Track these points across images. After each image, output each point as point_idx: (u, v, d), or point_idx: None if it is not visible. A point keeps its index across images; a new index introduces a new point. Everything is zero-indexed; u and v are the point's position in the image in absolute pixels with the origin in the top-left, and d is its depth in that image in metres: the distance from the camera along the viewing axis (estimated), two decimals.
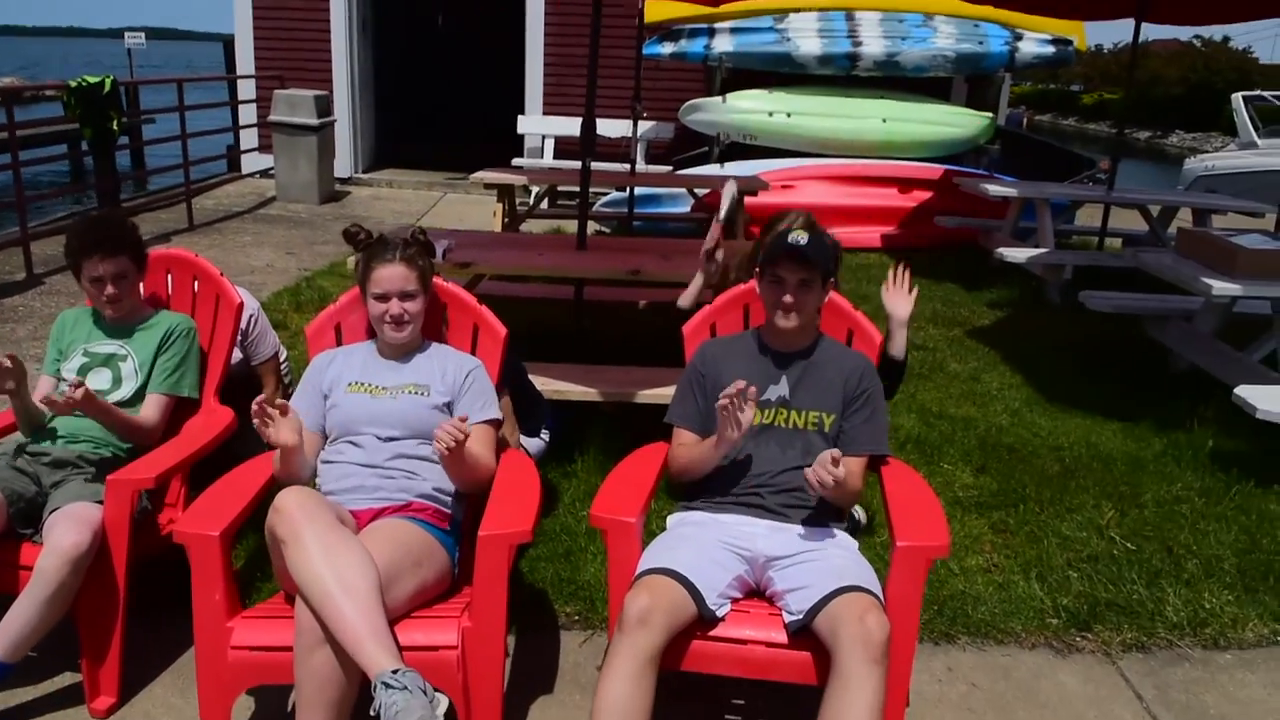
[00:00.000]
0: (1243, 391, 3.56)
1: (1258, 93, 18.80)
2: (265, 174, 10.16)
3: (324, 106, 9.53)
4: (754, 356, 2.49)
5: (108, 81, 6.74)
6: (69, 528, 2.29)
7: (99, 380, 2.73)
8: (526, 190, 10.48)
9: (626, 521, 2.19)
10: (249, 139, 10.71)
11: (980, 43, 8.42)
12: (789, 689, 2.10)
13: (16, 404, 2.61)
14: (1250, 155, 14.71)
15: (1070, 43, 8.61)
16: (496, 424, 2.51)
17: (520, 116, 10.40)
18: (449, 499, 2.39)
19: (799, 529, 2.29)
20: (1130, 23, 6.77)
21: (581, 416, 3.75)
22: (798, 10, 8.73)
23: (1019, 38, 8.48)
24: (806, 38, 8.50)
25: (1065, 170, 8.86)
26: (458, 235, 4.38)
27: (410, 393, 2.41)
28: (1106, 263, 6.18)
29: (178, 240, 7.65)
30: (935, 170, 8.11)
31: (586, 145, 4.08)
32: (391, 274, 2.43)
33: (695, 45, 8.70)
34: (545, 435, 3.49)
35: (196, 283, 3.02)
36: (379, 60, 11.34)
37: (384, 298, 2.44)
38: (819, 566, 2.13)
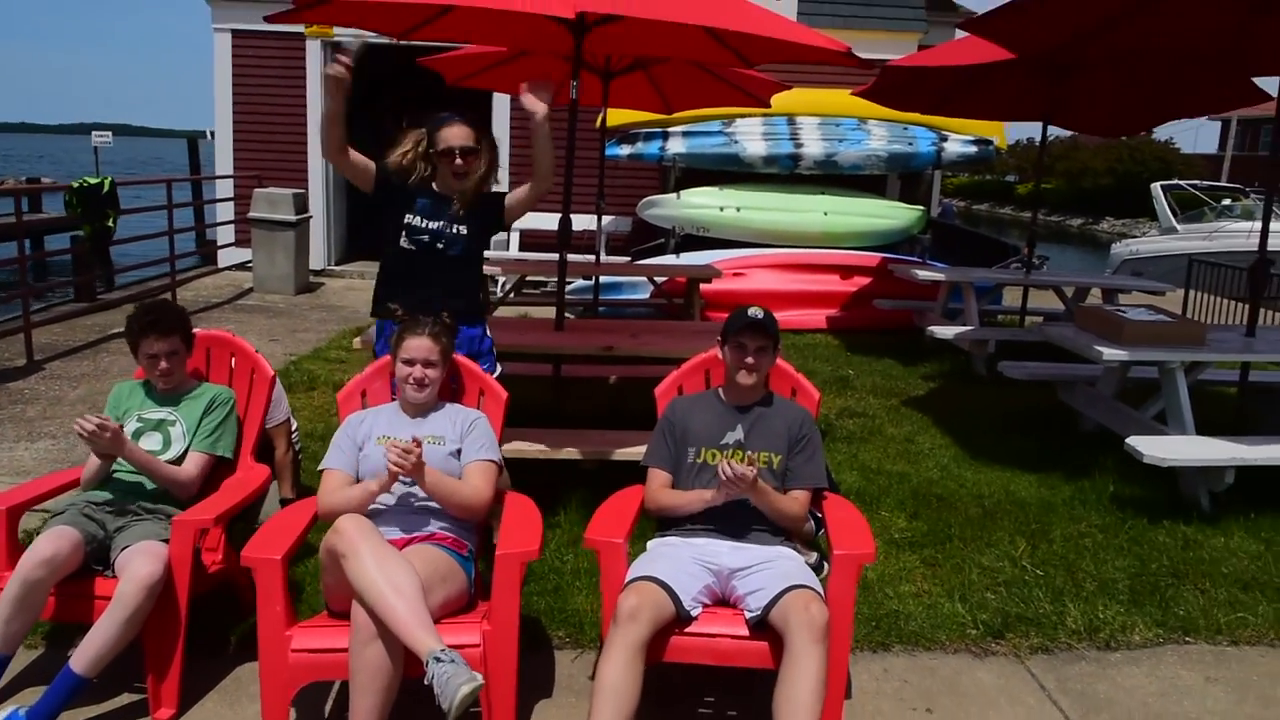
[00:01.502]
0: (1133, 441, 4.16)
1: (1175, 181, 20.27)
2: (241, 267, 10.62)
3: (301, 204, 10.09)
4: (715, 409, 3.04)
5: (106, 182, 7.25)
6: (144, 560, 2.72)
7: (151, 442, 3.18)
8: (493, 280, 11.10)
9: (616, 542, 2.68)
10: (225, 235, 11.19)
11: (910, 144, 9.29)
12: (753, 695, 2.58)
13: (104, 465, 3.03)
14: (1170, 240, 15.89)
15: (991, 142, 9.52)
16: (497, 466, 2.99)
17: None
18: (464, 531, 2.86)
19: (755, 547, 2.80)
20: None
21: (562, 475, 4.23)
22: (743, 116, 9.54)
23: (944, 139, 9.37)
24: (753, 140, 9.30)
25: (993, 256, 9.68)
26: None
27: (430, 443, 2.90)
28: (1024, 337, 6.88)
29: None
30: (874, 258, 8.86)
31: (563, 239, 4.64)
32: (419, 345, 2.95)
33: (651, 147, 9.45)
34: None
35: (234, 359, 3.49)
36: None
37: (410, 363, 2.95)
38: (772, 573, 2.63)
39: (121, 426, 2.98)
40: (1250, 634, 3.39)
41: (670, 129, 9.48)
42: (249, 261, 10.23)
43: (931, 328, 6.78)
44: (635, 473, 3.11)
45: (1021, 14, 4.77)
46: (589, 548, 2.70)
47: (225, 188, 11.01)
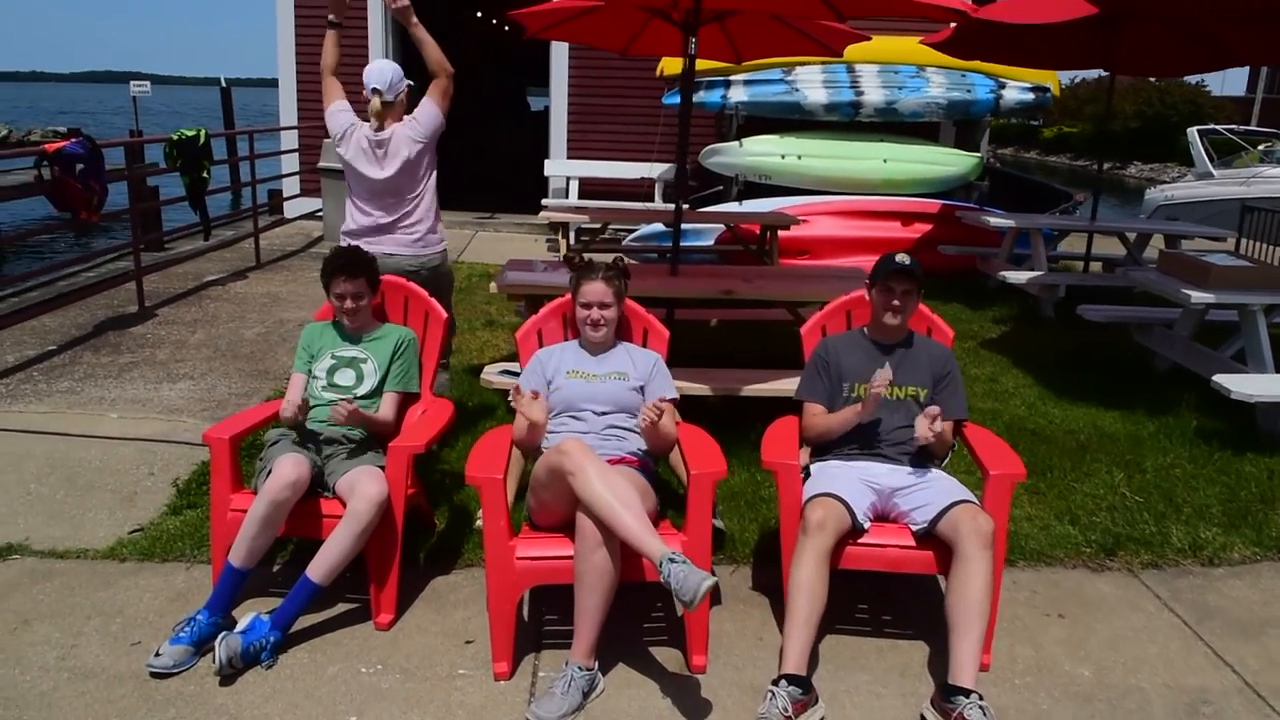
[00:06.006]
0: (1220, 379, 4.46)
1: (1211, 126, 20.17)
2: (310, 216, 10.92)
3: None
4: (864, 348, 3.35)
5: (202, 134, 7.51)
6: (371, 480, 3.07)
7: (345, 378, 3.51)
8: (553, 228, 11.37)
9: (792, 464, 3.01)
10: (289, 186, 11.47)
11: (968, 91, 9.44)
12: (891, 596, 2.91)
13: (301, 418, 3.36)
14: (1206, 185, 15.89)
15: (1047, 89, 9.66)
16: (675, 402, 3.32)
17: (546, 160, 11.28)
18: (647, 456, 3.21)
19: (908, 468, 3.13)
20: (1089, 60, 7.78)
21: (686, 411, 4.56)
22: (802, 64, 9.70)
23: (1002, 85, 9.51)
24: (814, 88, 9.47)
25: (1045, 203, 9.88)
26: (550, 265, 5.20)
27: (615, 378, 3.23)
28: (1092, 282, 7.14)
29: (253, 276, 8.41)
30: (934, 204, 9.07)
31: (681, 187, 4.91)
32: (594, 289, 3.26)
33: (713, 95, 9.63)
34: None
35: (408, 301, 3.80)
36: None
37: (588, 305, 3.26)
38: (934, 490, 2.97)
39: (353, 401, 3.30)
40: None
41: (731, 77, 9.65)
42: (318, 211, 10.52)
43: (1003, 272, 7.04)
44: (757, 407, 3.41)
45: None
46: (768, 469, 3.03)
47: (290, 139, 11.24)
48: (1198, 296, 4.61)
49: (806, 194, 9.42)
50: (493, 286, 4.61)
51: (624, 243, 9.40)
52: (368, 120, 4.16)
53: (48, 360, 5.69)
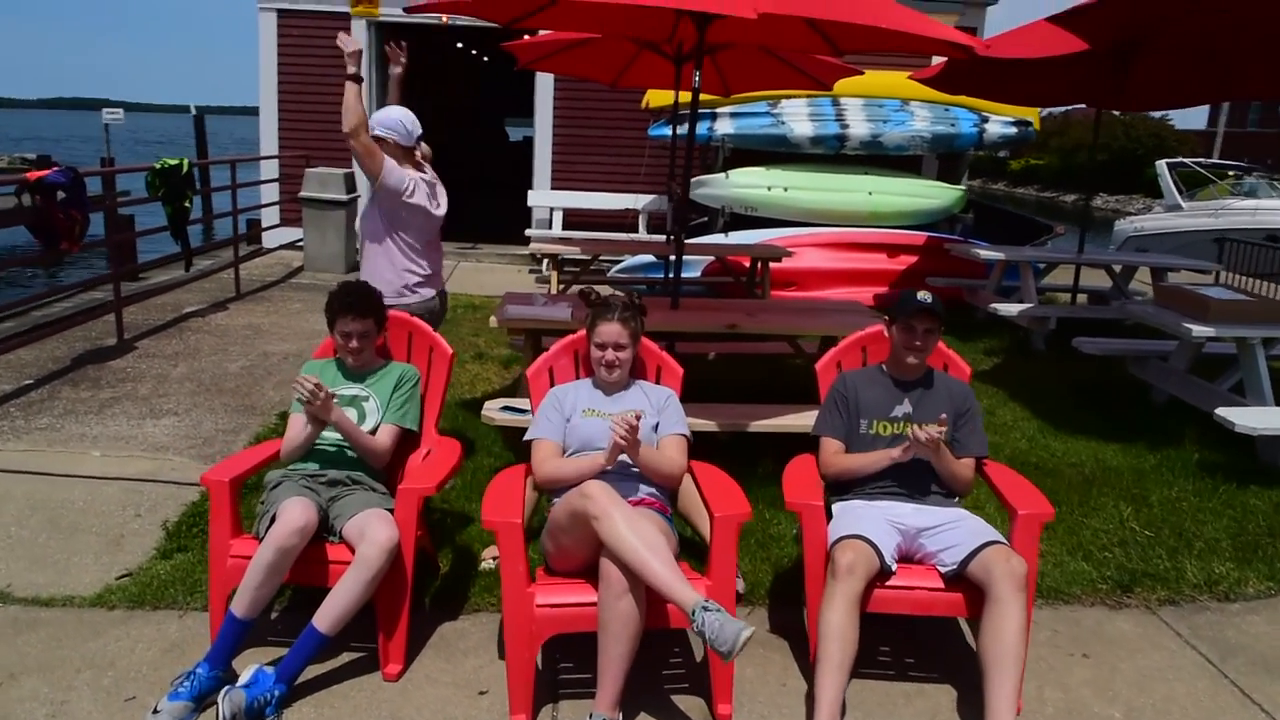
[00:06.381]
0: (1223, 412, 4.46)
1: (1180, 160, 20.58)
2: (289, 246, 10.77)
3: (351, 183, 10.26)
4: (883, 384, 3.30)
5: (185, 163, 7.38)
6: (383, 525, 2.95)
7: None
8: (535, 260, 11.29)
9: (816, 505, 2.94)
10: (269, 216, 11.31)
11: (952, 125, 9.53)
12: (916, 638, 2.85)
13: (313, 431, 3.26)
14: (1175, 217, 16.16)
15: (1030, 123, 9.77)
16: (688, 440, 3.24)
17: (530, 191, 11.23)
18: (664, 496, 3.12)
19: (935, 508, 3.07)
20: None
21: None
22: (788, 97, 9.75)
23: (986, 120, 9.61)
24: (799, 121, 9.52)
25: (1026, 235, 9.97)
26: (550, 298, 5.13)
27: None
28: (1081, 314, 7.18)
29: (234, 307, 8.26)
30: (919, 236, 9.12)
31: (681, 218, 4.87)
32: (610, 330, 3.18)
33: (699, 128, 9.63)
34: None
35: (411, 337, 3.71)
36: None
37: (603, 346, 3.18)
38: (963, 530, 2.91)
39: (333, 394, 3.21)
40: None
41: (717, 110, 9.67)
42: (299, 240, 10.39)
43: (993, 304, 7.06)
44: (763, 442, 3.35)
45: (1106, 7, 5.02)
46: (792, 509, 2.96)
47: (270, 168, 11.12)
48: (1198, 330, 4.62)
49: (792, 226, 9.44)
50: (492, 321, 4.52)
51: (609, 274, 9.35)
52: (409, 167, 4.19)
53: (25, 395, 5.51)
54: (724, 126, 9.58)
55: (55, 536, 3.86)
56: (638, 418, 2.88)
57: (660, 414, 3.20)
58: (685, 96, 9.00)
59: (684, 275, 8.89)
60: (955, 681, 3.02)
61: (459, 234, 12.31)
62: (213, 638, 3.01)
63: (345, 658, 3.09)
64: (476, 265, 11.24)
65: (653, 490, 3.08)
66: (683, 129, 9.52)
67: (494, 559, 3.69)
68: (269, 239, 11.04)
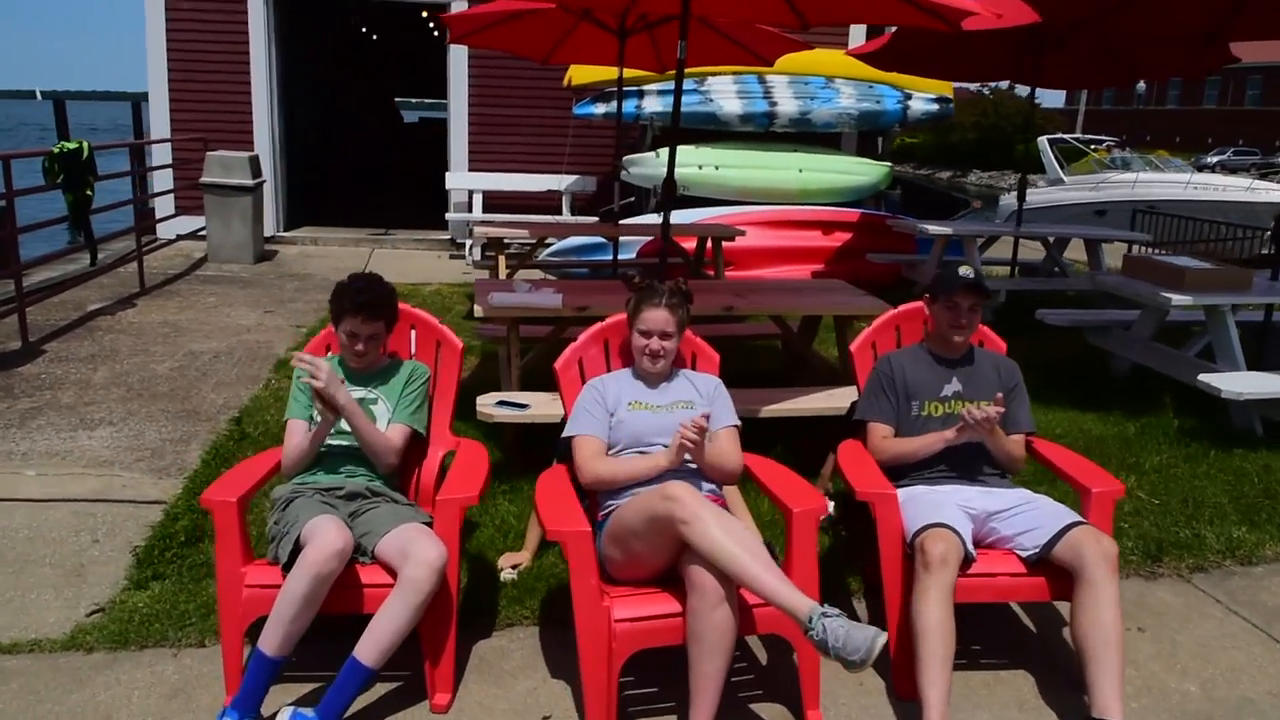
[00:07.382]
0: (1207, 378, 4.56)
1: (1059, 135, 21.52)
2: (190, 236, 10.03)
3: (255, 167, 9.60)
4: (928, 364, 3.19)
5: (85, 147, 6.71)
6: (429, 543, 2.64)
7: None
8: (455, 244, 10.86)
9: (889, 494, 2.81)
10: (164, 205, 10.49)
11: (878, 101, 9.59)
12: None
13: (320, 431, 2.91)
14: (1058, 190, 16.88)
15: (949, 100, 9.93)
16: (739, 430, 3.06)
17: (448, 174, 10.77)
18: (718, 491, 2.93)
19: (1000, 490, 2.99)
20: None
21: None
22: (714, 75, 9.62)
23: (909, 96, 9.71)
24: (728, 99, 9.40)
25: (947, 210, 10.16)
26: (533, 284, 4.85)
27: (682, 407, 2.94)
28: (1028, 286, 7.32)
29: (142, 304, 7.59)
30: (853, 213, 9.15)
31: (667, 198, 4.65)
32: (656, 316, 2.95)
33: (627, 106, 9.40)
34: None
35: (414, 330, 3.38)
36: (291, 119, 11.43)
37: (647, 334, 2.95)
38: (1041, 512, 2.83)
39: (343, 381, 2.90)
40: None
41: (645, 88, 9.46)
42: (200, 230, 9.68)
43: None
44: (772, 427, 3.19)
45: None
46: (865, 500, 2.81)
47: (163, 154, 10.31)
48: (1177, 299, 4.72)
49: (724, 205, 9.33)
50: (478, 310, 4.23)
51: (540, 257, 9.03)
52: None
53: None
54: (652, 104, 9.38)
55: (3, 572, 3.39)
56: (706, 418, 2.68)
57: (711, 404, 3.00)
58: (600, 73, 8.78)
59: (624, 257, 8.73)
60: (1028, 667, 2.95)
61: (369, 220, 11.77)
62: (226, 678, 2.68)
63: (382, 688, 2.79)
64: (395, 251, 10.74)
65: (713, 487, 2.88)
66: (629, 105, 9.31)
67: (514, 568, 3.43)
68: (165, 230, 10.23)
